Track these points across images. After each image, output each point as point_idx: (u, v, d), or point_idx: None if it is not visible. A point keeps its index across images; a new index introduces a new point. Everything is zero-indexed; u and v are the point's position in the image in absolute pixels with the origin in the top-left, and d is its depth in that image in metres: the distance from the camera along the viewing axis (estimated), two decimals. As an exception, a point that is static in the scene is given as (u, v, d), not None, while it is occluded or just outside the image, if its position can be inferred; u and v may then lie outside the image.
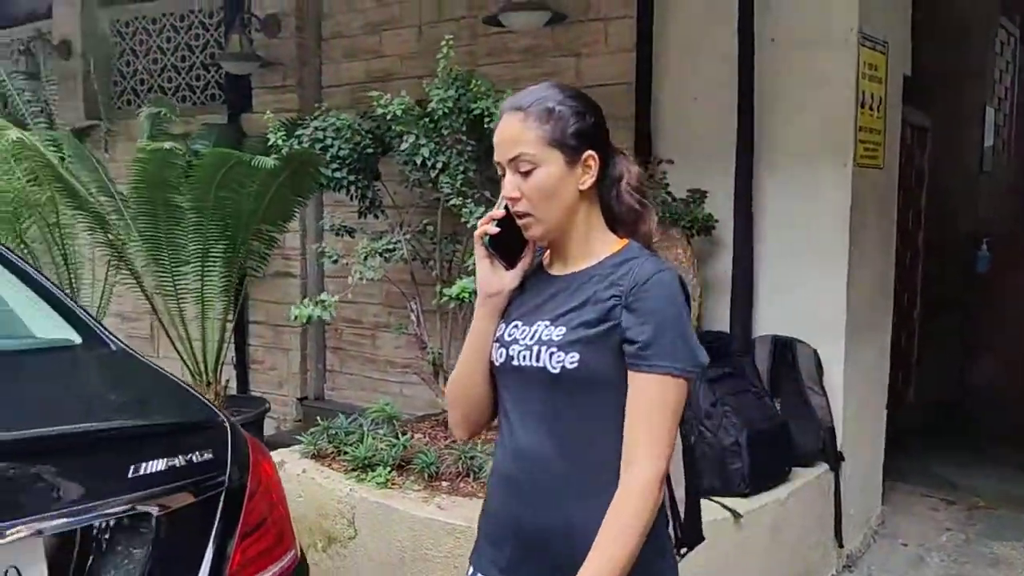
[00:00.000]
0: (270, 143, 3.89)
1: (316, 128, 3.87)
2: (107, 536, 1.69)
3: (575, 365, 1.42)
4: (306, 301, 3.42)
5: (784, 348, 3.61)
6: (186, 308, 4.44)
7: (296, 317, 3.34)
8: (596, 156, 1.49)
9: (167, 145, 3.58)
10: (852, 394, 3.71)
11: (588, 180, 1.49)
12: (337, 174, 3.90)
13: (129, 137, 5.74)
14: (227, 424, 2.00)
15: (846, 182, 3.52)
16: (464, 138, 3.44)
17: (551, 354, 1.44)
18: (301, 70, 5.36)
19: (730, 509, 3.09)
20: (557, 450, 1.47)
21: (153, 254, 4.29)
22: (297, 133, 3.86)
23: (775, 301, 3.73)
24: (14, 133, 3.57)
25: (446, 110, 3.35)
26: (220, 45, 5.81)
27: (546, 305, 1.52)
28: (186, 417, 1.99)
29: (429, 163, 3.46)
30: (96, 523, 1.66)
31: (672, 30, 3.91)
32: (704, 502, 3.17)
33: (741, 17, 3.60)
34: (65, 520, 1.61)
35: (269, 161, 3.65)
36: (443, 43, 3.43)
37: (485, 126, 3.37)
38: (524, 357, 1.48)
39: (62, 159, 4.25)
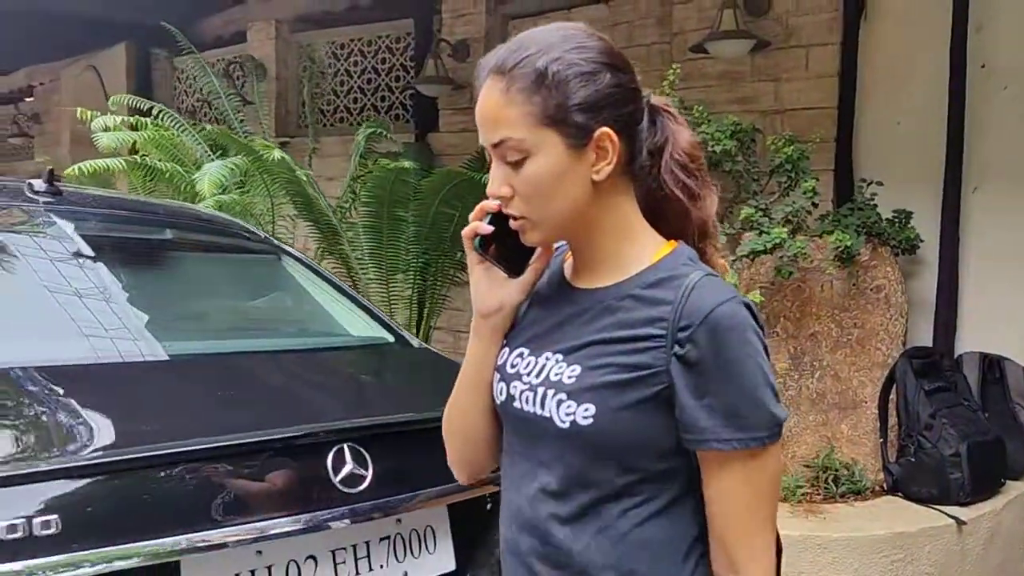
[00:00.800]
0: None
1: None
2: (482, 509, 1.98)
3: (589, 421, 1.03)
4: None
5: (993, 365, 3.72)
6: (395, 313, 4.80)
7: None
8: (614, 134, 1.05)
9: (406, 164, 3.93)
10: (1058, 412, 3.79)
11: (604, 168, 1.05)
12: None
13: (319, 154, 6.22)
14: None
15: (1060, 204, 3.62)
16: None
17: (559, 402, 1.05)
18: (488, 92, 5.69)
19: (954, 517, 3.23)
20: (572, 531, 1.07)
21: (367, 262, 4.67)
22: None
23: (980, 319, 3.83)
24: (278, 153, 3.98)
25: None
26: (406, 68, 6.22)
27: (562, 330, 1.11)
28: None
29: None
30: (480, 496, 1.95)
31: (877, 56, 4.07)
32: (923, 508, 3.32)
33: (953, 43, 3.74)
34: (464, 493, 1.90)
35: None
36: (670, 72, 3.69)
37: (709, 150, 3.61)
38: (527, 400, 1.10)
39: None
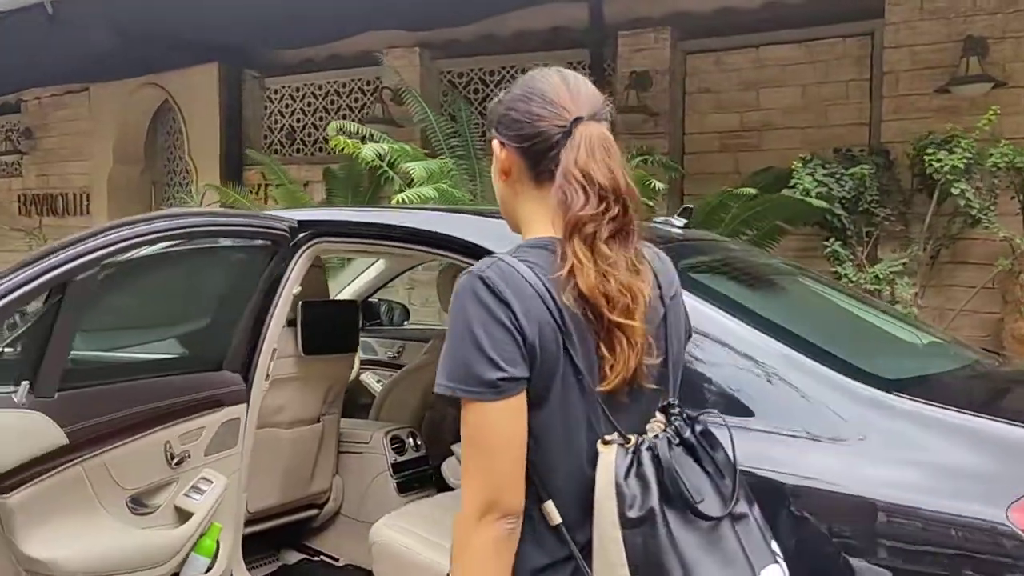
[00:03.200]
0: (793, 183, 4.83)
1: (829, 173, 4.87)
2: None
3: None
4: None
5: None
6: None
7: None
8: (498, 145, 1.35)
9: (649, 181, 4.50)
10: None
11: (496, 168, 1.36)
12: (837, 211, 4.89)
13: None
14: None
15: None
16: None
17: None
18: (670, 119, 6.26)
19: None
20: None
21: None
22: (820, 177, 4.83)
23: None
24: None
25: (1004, 164, 4.39)
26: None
27: None
28: None
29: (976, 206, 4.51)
30: None
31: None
32: None
33: None
34: None
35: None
36: (990, 112, 4.48)
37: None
38: None
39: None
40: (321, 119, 7.70)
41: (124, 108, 8.71)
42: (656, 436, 1.21)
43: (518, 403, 1.16)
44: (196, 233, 2.34)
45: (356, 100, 7.52)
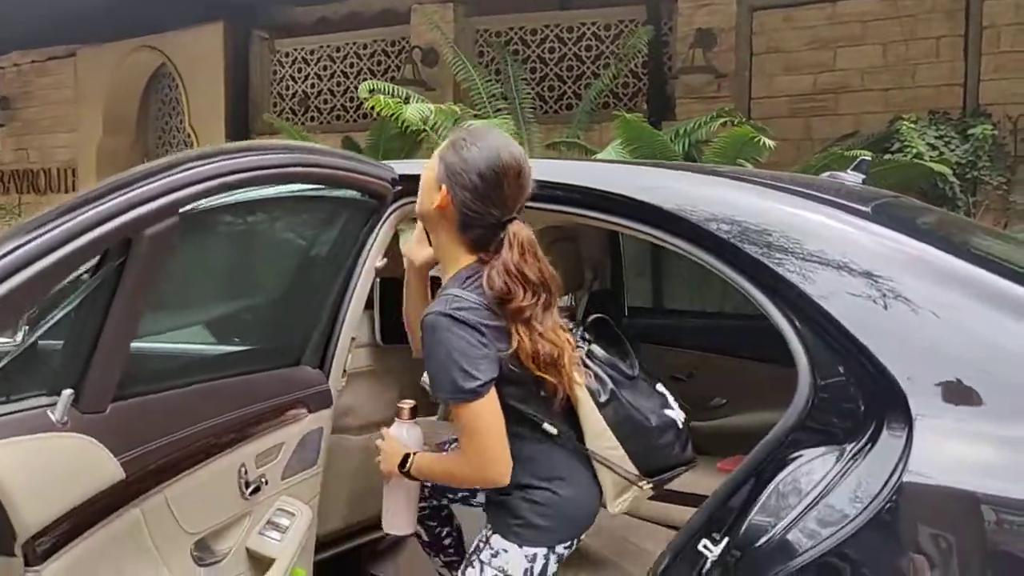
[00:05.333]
0: (899, 147, 4.26)
1: (939, 136, 4.30)
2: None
3: None
4: None
5: None
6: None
7: None
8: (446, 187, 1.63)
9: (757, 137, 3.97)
10: None
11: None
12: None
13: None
14: None
15: None
16: None
17: None
18: (735, 81, 5.67)
19: None
20: None
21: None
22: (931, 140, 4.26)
23: None
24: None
25: None
26: (615, 55, 5.99)
27: None
28: None
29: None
30: None
31: None
32: None
33: None
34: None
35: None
36: None
37: None
38: None
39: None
40: (339, 84, 7.04)
41: (116, 73, 7.99)
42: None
43: (492, 395, 1.56)
44: (295, 175, 1.68)
45: (379, 63, 6.86)
